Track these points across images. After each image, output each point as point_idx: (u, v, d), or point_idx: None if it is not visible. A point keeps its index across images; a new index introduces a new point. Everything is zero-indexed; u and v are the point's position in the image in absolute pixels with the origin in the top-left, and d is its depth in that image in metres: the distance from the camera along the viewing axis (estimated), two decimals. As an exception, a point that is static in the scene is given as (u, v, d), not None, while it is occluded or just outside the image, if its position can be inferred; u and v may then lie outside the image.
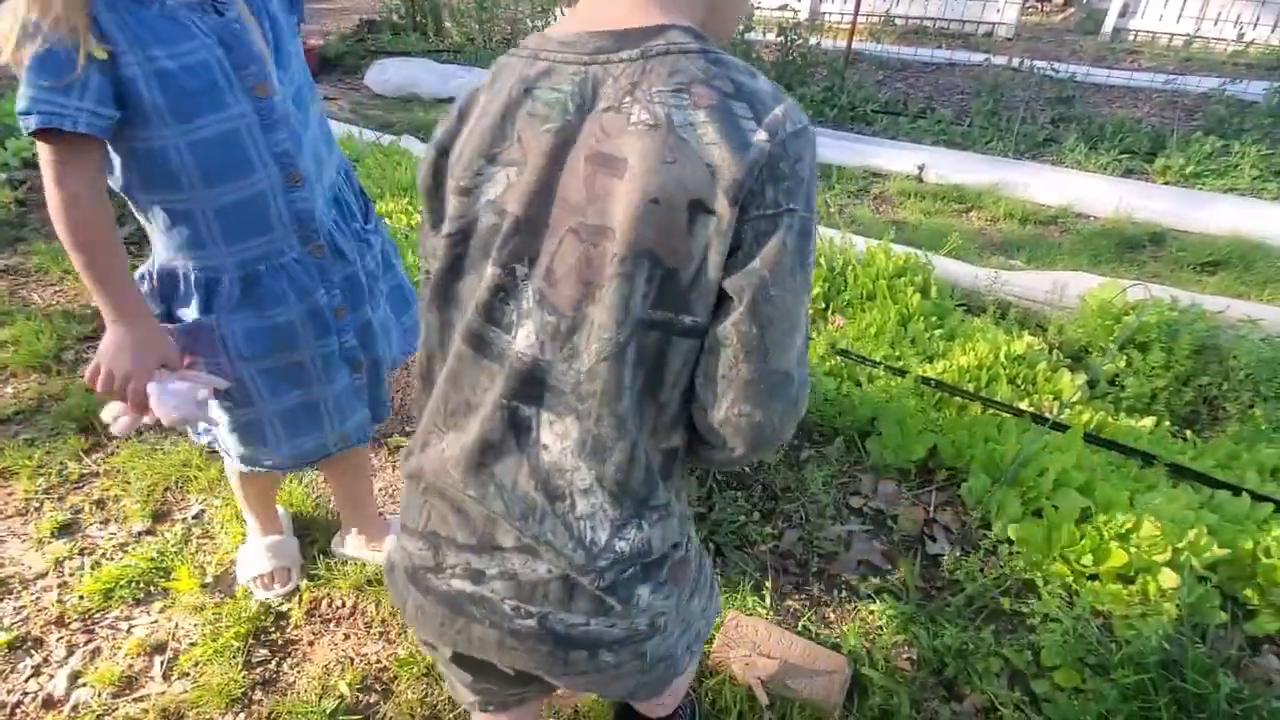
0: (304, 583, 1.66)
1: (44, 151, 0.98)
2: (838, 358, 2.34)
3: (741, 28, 6.65)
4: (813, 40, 6.21)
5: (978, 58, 6.51)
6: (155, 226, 1.14)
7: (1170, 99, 5.74)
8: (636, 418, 0.66)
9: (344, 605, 1.62)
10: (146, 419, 1.15)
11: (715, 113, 0.58)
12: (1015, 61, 6.01)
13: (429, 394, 0.77)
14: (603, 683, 0.80)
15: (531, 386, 0.67)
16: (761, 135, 0.58)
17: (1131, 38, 7.78)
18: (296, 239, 1.18)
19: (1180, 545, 1.59)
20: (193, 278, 1.16)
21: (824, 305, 2.70)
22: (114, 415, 1.16)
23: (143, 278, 1.21)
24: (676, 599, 0.77)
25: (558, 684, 0.83)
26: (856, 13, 6.21)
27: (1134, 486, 1.80)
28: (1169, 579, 1.57)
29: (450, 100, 5.98)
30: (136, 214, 1.16)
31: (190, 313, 1.18)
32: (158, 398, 1.10)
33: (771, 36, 6.30)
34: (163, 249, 1.16)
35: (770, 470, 2.00)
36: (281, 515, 1.75)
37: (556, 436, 0.67)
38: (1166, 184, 4.25)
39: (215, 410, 1.27)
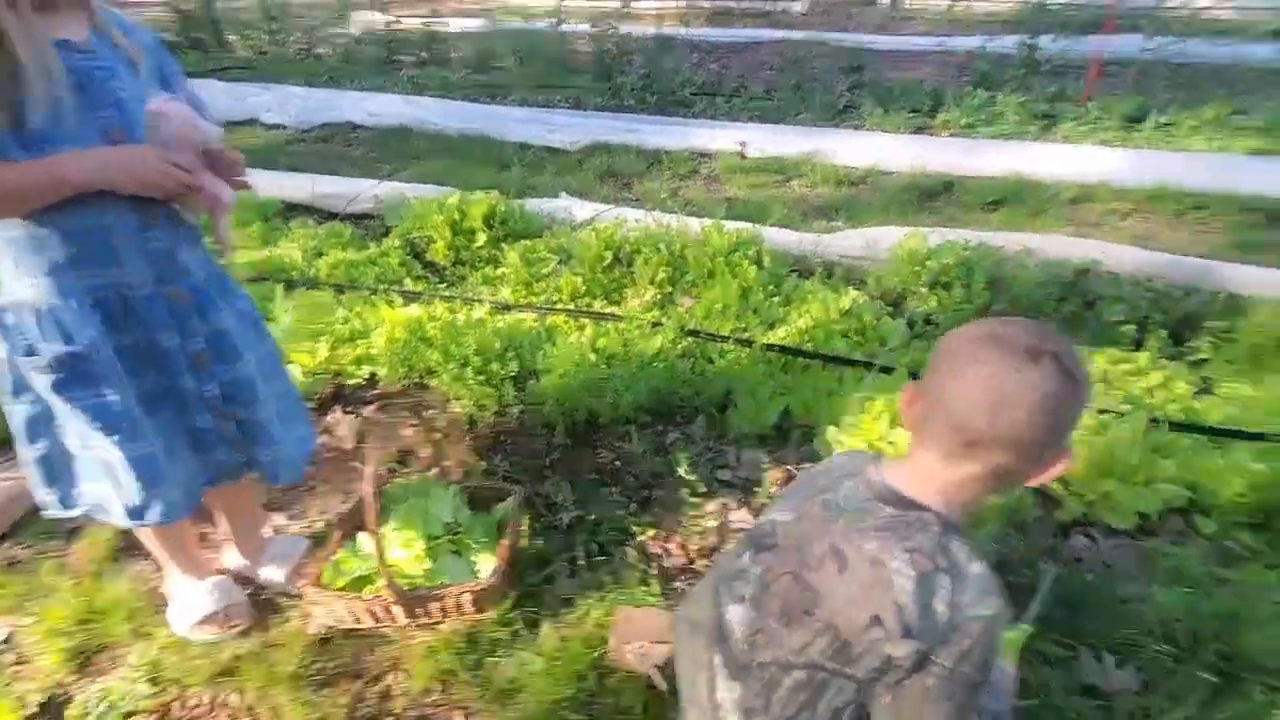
0: (150, 686, 1.48)
1: None
2: (688, 338, 2.43)
3: (555, 21, 6.65)
4: (624, 29, 6.32)
5: (779, 34, 6.94)
6: (9, 249, 1.14)
7: (943, 59, 6.45)
8: (787, 708, 0.89)
9: (200, 703, 1.47)
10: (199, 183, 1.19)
11: (924, 578, 0.82)
12: (810, 35, 6.47)
13: None
14: None
15: (725, 642, 0.97)
16: (942, 607, 0.82)
17: (907, 4, 8.63)
18: (150, 276, 1.22)
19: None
20: (44, 310, 1.16)
21: (670, 289, 2.78)
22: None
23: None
24: None
25: None
26: (663, -1, 6.40)
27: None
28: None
29: (250, 123, 5.47)
30: None
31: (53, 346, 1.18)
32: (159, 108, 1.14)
33: (585, 27, 6.33)
34: (14, 273, 1.16)
35: (638, 459, 2.04)
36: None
37: (725, 688, 0.96)
38: (952, 136, 4.78)
39: (110, 451, 1.25)
